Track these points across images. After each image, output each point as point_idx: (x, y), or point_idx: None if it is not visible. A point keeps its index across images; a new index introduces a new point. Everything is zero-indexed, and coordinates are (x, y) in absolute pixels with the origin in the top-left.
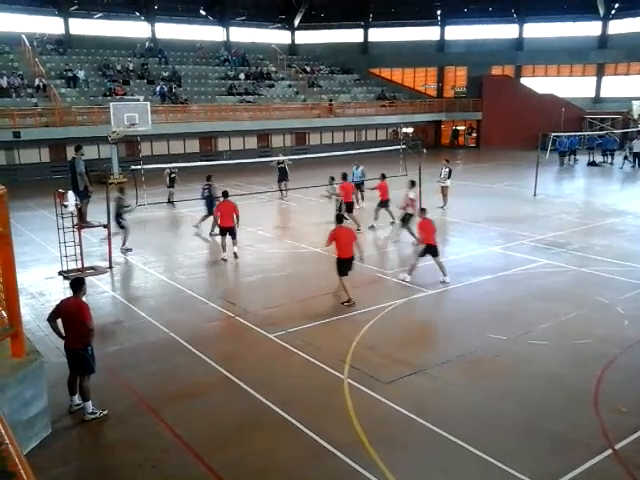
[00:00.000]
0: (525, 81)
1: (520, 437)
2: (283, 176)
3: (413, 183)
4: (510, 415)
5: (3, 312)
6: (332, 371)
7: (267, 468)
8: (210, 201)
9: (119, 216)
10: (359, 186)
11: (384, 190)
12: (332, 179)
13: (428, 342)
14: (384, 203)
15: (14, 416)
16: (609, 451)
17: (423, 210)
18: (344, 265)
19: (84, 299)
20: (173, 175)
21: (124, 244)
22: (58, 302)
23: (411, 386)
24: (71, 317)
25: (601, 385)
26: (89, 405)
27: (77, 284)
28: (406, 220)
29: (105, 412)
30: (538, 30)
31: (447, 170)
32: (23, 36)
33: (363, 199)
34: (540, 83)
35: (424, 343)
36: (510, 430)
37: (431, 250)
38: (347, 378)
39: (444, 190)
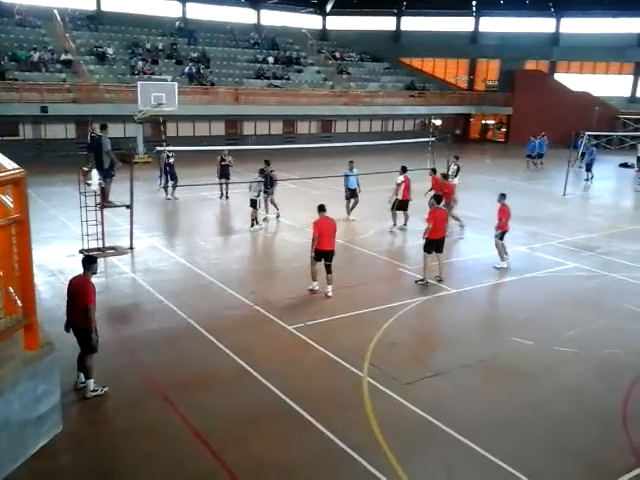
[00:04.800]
0: (559, 77)
1: (543, 450)
2: (224, 172)
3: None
4: (533, 426)
5: (18, 301)
6: (351, 368)
7: (280, 465)
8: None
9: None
10: (353, 193)
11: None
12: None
13: (450, 343)
14: (403, 204)
15: (24, 413)
16: (638, 470)
17: (503, 196)
18: (322, 255)
19: (93, 279)
20: (170, 159)
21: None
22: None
23: (431, 389)
24: (75, 294)
25: (630, 399)
26: (91, 383)
27: (87, 262)
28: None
29: (106, 389)
30: (575, 25)
31: (455, 167)
32: (55, 10)
33: (354, 207)
34: (574, 80)
35: (446, 344)
36: (533, 442)
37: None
38: (366, 376)
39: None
